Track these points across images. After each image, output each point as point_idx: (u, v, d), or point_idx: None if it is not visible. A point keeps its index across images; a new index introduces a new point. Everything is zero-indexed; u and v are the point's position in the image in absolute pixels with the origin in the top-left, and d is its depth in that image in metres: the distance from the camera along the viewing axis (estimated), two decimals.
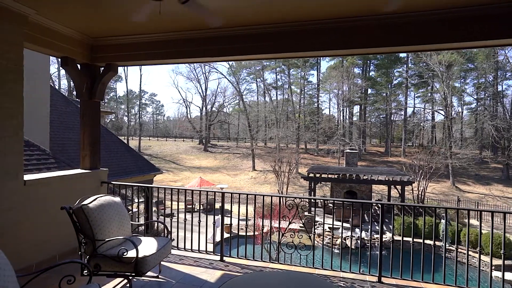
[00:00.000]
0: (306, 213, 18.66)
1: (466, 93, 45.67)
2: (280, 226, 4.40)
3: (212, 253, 4.21)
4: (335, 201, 4.05)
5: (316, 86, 54.25)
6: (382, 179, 20.08)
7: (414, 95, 52.46)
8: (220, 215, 4.32)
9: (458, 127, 45.71)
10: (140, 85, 58.83)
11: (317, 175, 21.22)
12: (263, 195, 4.08)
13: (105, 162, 13.49)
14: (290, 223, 3.92)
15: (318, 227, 18.09)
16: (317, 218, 18.61)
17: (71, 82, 47.14)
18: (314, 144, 49.90)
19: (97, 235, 2.98)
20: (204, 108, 56.78)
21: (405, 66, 48.72)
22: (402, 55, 49.63)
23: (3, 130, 3.23)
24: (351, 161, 23.22)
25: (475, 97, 44.61)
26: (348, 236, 15.93)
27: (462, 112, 48.81)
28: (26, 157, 6.56)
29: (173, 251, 4.30)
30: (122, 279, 3.00)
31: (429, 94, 47.75)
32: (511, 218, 18.55)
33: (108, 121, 69.78)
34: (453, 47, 3.69)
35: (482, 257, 13.57)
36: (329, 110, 60.07)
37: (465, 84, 46.56)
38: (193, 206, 20.91)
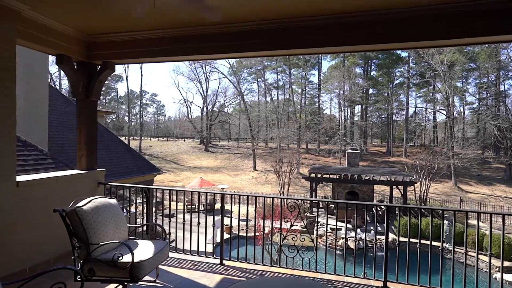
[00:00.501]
0: (307, 214, 18.52)
1: (468, 93, 45.48)
2: (282, 227, 4.28)
3: (211, 256, 4.09)
4: (338, 203, 3.92)
5: (317, 86, 54.13)
6: (384, 179, 19.95)
7: (416, 95, 52.33)
8: (220, 216, 4.20)
9: (460, 127, 45.51)
10: (141, 85, 58.80)
11: (319, 175, 21.11)
12: (264, 197, 3.96)
13: (105, 162, 13.39)
14: (292, 225, 3.80)
15: (320, 227, 17.96)
16: (318, 219, 18.48)
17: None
18: (315, 144, 49.77)
19: (91, 239, 2.86)
20: (205, 108, 56.71)
21: (406, 65, 48.54)
22: (403, 54, 49.50)
23: None
24: (353, 161, 23.08)
25: (477, 96, 44.38)
26: (350, 237, 15.81)
27: (464, 112, 48.64)
28: (23, 158, 6.46)
29: (172, 254, 4.19)
30: (117, 284, 2.88)
31: (431, 94, 47.57)
32: None
33: (109, 121, 69.84)
34: (454, 44, 3.55)
35: (482, 257, 13.41)
36: (330, 110, 59.95)
37: (467, 84, 46.40)
38: (192, 206, 20.82)
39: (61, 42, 3.93)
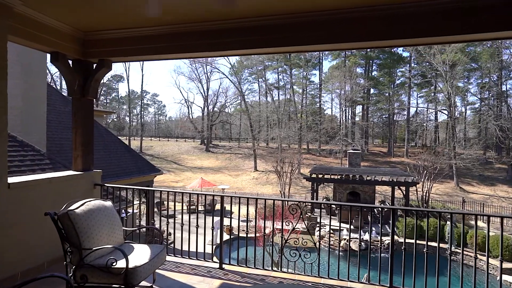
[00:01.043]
0: (308, 214, 18.38)
1: (470, 93, 45.28)
2: (283, 230, 4.15)
3: (210, 260, 3.97)
4: (337, 202, 3.80)
5: (318, 86, 53.97)
6: (386, 179, 19.80)
7: (417, 95, 52.15)
8: (218, 219, 4.08)
9: (462, 127, 45.31)
10: (142, 85, 58.80)
11: (320, 176, 20.96)
12: (265, 199, 3.83)
13: (105, 162, 13.28)
14: (293, 228, 3.67)
15: (322, 227, 17.79)
16: (319, 219, 18.32)
17: None
18: (316, 145, 49.63)
19: (84, 244, 2.73)
20: (205, 108, 56.62)
21: (408, 65, 48.35)
22: (405, 54, 49.32)
23: None
24: (354, 161, 22.93)
25: (479, 96, 44.17)
26: (352, 238, 15.65)
27: (466, 112, 48.43)
28: (20, 158, 6.35)
29: (170, 258, 4.07)
30: None
31: (433, 94, 47.35)
32: None
33: (110, 121, 69.84)
34: (457, 40, 3.42)
35: (493, 261, 13.27)
36: (331, 110, 59.82)
37: (469, 84, 46.19)
38: (192, 206, 20.73)
39: (55, 39, 3.80)
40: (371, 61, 52.13)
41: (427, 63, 41.14)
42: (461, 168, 33.89)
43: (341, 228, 16.94)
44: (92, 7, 3.39)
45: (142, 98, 66.38)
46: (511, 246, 13.57)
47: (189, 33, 3.75)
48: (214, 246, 4.26)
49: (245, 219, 4.05)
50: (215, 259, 4.10)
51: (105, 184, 4.45)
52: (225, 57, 49.94)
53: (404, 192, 19.23)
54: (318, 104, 53.88)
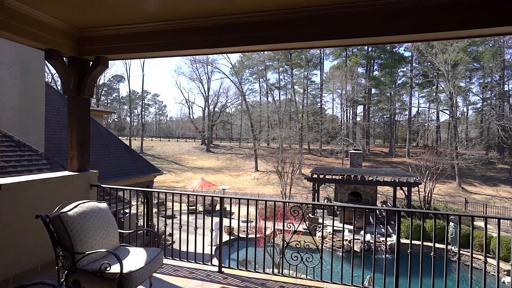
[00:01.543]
0: (309, 215, 18.25)
1: (472, 93, 45.05)
2: (284, 232, 4.02)
3: (209, 264, 3.85)
4: (340, 204, 3.68)
5: (319, 86, 53.82)
6: (387, 180, 19.66)
7: (419, 95, 51.93)
8: (220, 219, 3.96)
9: (464, 127, 45.11)
10: (143, 85, 58.58)
11: (321, 176, 20.83)
12: (265, 200, 3.71)
13: (104, 162, 13.19)
14: (295, 231, 3.55)
15: (322, 228, 17.67)
16: (321, 220, 18.21)
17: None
18: (317, 145, 49.48)
19: (77, 247, 2.62)
20: (206, 109, 56.55)
21: (409, 65, 48.16)
22: (406, 54, 49.16)
23: None
24: (356, 161, 22.79)
25: (481, 96, 43.94)
26: (352, 239, 15.52)
27: (468, 112, 48.22)
28: (17, 158, 6.25)
29: (168, 261, 3.95)
30: None
31: (434, 94, 47.16)
32: None
33: (110, 121, 69.82)
34: (456, 36, 3.28)
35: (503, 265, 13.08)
36: (332, 110, 59.83)
37: (471, 83, 45.96)
38: (189, 207, 20.62)
39: (49, 36, 3.69)
40: (372, 61, 51.96)
41: (429, 63, 40.96)
42: (463, 168, 33.70)
43: (341, 228, 16.80)
44: (88, 2, 3.28)
45: (143, 98, 66.31)
46: None
47: (187, 29, 3.64)
48: (214, 247, 4.13)
49: (246, 219, 3.92)
50: (214, 261, 3.97)
51: (102, 185, 4.33)
52: (225, 55, 49.85)
53: (406, 193, 19.07)
54: (319, 104, 53.74)
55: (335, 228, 16.52)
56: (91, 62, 4.23)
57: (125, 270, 2.54)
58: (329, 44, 3.74)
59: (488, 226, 17.13)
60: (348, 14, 3.06)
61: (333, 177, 20.71)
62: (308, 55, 50.29)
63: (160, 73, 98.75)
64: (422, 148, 44.67)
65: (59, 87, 44.91)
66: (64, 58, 4.09)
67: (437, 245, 3.36)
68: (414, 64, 47.65)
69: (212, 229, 3.92)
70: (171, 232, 11.51)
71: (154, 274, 3.50)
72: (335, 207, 20.95)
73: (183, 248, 3.96)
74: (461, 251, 13.99)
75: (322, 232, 3.64)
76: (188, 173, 40.44)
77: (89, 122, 4.37)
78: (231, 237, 14.39)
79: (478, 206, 23.35)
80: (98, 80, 58.51)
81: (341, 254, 15.38)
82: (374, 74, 51.79)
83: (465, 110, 47.66)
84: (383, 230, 17.03)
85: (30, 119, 8.54)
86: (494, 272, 12.80)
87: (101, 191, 4.99)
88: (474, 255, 13.66)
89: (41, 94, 8.88)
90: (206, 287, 3.32)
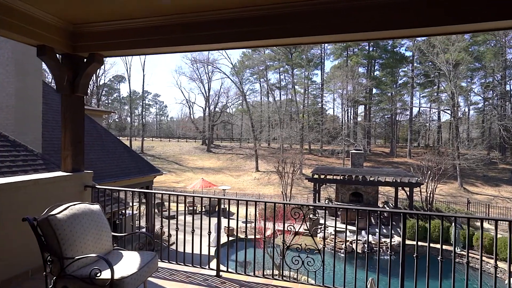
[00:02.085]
0: (310, 216, 18.09)
1: (473, 92, 44.82)
2: (285, 233, 3.88)
3: (207, 268, 3.71)
4: (342, 205, 3.55)
5: (320, 86, 53.66)
6: (389, 180, 19.50)
7: (420, 94, 51.75)
8: (218, 221, 3.82)
9: (465, 127, 44.91)
10: (143, 85, 58.44)
11: (322, 177, 20.68)
12: (265, 202, 3.58)
13: (103, 163, 13.07)
14: (296, 234, 3.41)
15: (324, 229, 17.53)
16: (322, 221, 18.07)
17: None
18: (318, 145, 49.32)
19: (66, 252, 2.49)
20: (207, 109, 56.45)
21: (410, 65, 47.99)
22: (407, 54, 48.99)
23: None
24: (357, 161, 22.63)
25: (483, 96, 43.74)
26: (355, 240, 15.37)
27: (469, 112, 48.01)
28: (12, 158, 6.13)
29: (164, 264, 3.82)
30: None
31: (435, 94, 46.98)
32: None
33: (111, 121, 69.76)
34: (445, 32, 3.15)
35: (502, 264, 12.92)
36: (333, 110, 59.64)
37: (472, 83, 45.77)
38: (186, 208, 20.40)
39: (41, 32, 3.56)
40: (373, 61, 51.79)
41: (430, 63, 40.78)
42: (464, 168, 33.51)
43: (344, 229, 16.66)
44: None
45: (143, 99, 66.25)
46: None
47: (185, 24, 3.50)
48: (213, 248, 3.98)
49: (245, 221, 3.79)
50: (212, 265, 3.84)
51: (97, 186, 4.20)
52: (225, 55, 49.73)
53: (408, 193, 18.91)
54: (320, 104, 53.57)
55: (336, 228, 16.38)
56: (85, 59, 4.10)
57: (116, 276, 2.41)
58: (329, 40, 3.60)
59: (491, 227, 16.94)
60: (346, 8, 2.94)
61: (334, 177, 20.56)
62: (309, 55, 50.16)
63: (160, 73, 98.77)
64: (423, 148, 44.50)
65: None
66: (58, 55, 3.98)
67: (440, 246, 3.22)
68: (415, 64, 47.47)
69: (210, 232, 3.78)
70: (171, 232, 11.39)
71: (150, 279, 3.37)
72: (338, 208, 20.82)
73: (182, 249, 3.84)
74: (475, 255, 13.81)
75: (324, 234, 3.50)
76: (189, 173, 40.33)
77: (83, 121, 4.25)
78: (231, 238, 14.27)
79: (480, 206, 23.16)
80: (98, 81, 58.47)
81: (342, 255, 15.23)
82: (375, 74, 51.62)
83: (466, 110, 47.49)
84: (384, 231, 16.87)
85: (27, 118, 8.43)
86: (498, 274, 12.64)
87: (99, 192, 4.86)
88: (477, 257, 13.43)
89: (38, 93, 8.76)
90: None
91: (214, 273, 3.63)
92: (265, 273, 3.80)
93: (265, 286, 3.36)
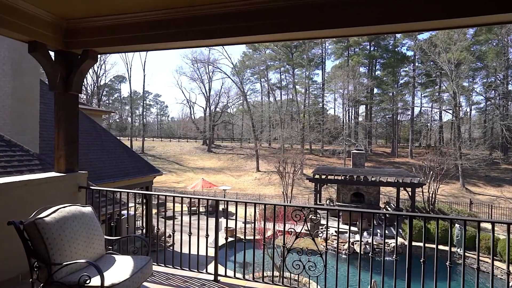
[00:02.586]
0: (311, 216, 17.94)
1: (475, 92, 44.60)
2: (285, 234, 3.74)
3: (204, 272, 3.58)
4: (343, 206, 3.41)
5: (321, 85, 53.50)
6: (391, 180, 19.34)
7: (421, 94, 51.54)
8: (220, 220, 3.69)
9: (467, 127, 44.68)
10: (144, 85, 58.32)
11: (323, 177, 20.53)
12: (264, 204, 3.44)
13: (102, 163, 12.95)
14: (297, 237, 3.28)
15: (325, 230, 17.38)
16: (323, 221, 17.91)
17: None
18: (319, 145, 49.15)
19: (54, 257, 2.36)
20: (208, 109, 56.33)
21: (412, 65, 47.79)
22: (409, 53, 48.79)
23: None
24: (358, 162, 22.47)
25: (485, 96, 43.50)
26: (357, 241, 15.20)
27: (471, 112, 47.78)
28: (7, 159, 6.00)
29: (160, 268, 3.69)
30: None
31: (437, 94, 46.77)
32: None
33: (112, 121, 69.73)
34: (441, 26, 3.02)
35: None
36: (334, 110, 59.37)
37: (474, 83, 45.52)
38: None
39: (33, 27, 3.44)
40: (374, 61, 51.62)
41: (432, 62, 40.58)
42: (467, 168, 33.31)
43: (346, 230, 16.50)
44: None
45: (144, 99, 66.21)
46: None
47: (183, 19, 3.37)
48: (212, 249, 3.83)
49: (244, 223, 3.65)
50: (210, 269, 3.69)
51: (91, 187, 4.07)
52: (226, 55, 49.49)
53: (410, 194, 18.75)
54: (321, 104, 53.39)
55: (337, 229, 16.22)
56: (79, 56, 3.97)
57: (106, 283, 2.28)
58: (328, 35, 3.45)
59: (495, 228, 16.78)
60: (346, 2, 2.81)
61: (335, 177, 20.41)
62: (310, 55, 50.01)
63: (161, 73, 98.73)
64: (425, 149, 44.29)
65: None
66: (51, 52, 3.85)
67: (444, 247, 3.08)
68: (416, 64, 47.27)
69: (207, 235, 3.64)
70: (170, 233, 11.23)
71: (145, 283, 3.25)
72: (337, 207, 20.66)
73: (181, 252, 3.70)
74: (468, 255, 13.63)
75: (326, 236, 3.36)
76: (189, 174, 40.22)
77: (77, 120, 4.12)
78: (231, 239, 14.12)
79: (483, 207, 22.98)
80: (99, 81, 58.42)
81: (344, 256, 15.07)
82: (376, 73, 51.44)
83: (468, 110, 47.25)
84: (386, 232, 16.73)
85: (24, 118, 8.30)
86: (502, 276, 12.46)
87: (96, 193, 4.73)
88: (482, 259, 13.19)
89: (35, 92, 8.63)
90: None
91: (211, 277, 3.49)
92: (265, 275, 3.66)
93: None
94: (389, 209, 20.51)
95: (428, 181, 21.15)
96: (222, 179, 36.71)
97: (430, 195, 20.68)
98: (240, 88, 51.78)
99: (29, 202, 3.40)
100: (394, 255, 3.05)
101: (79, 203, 3.97)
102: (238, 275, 3.58)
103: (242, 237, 3.74)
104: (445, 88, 42.52)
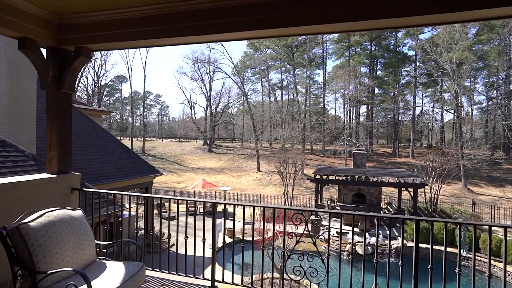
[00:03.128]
0: (312, 217, 17.79)
1: (477, 92, 44.36)
2: (285, 236, 3.60)
3: (201, 277, 3.43)
4: (345, 206, 3.26)
5: (322, 85, 53.33)
6: (393, 181, 19.18)
7: (423, 94, 51.32)
8: (220, 222, 3.55)
9: (468, 127, 44.44)
10: (144, 85, 58.17)
11: (324, 177, 20.37)
12: (264, 207, 3.30)
13: (101, 163, 12.83)
14: (297, 242, 3.13)
15: (326, 231, 17.22)
16: (324, 222, 17.75)
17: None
18: (320, 145, 48.97)
19: (39, 265, 2.22)
20: (208, 109, 56.20)
21: (413, 65, 47.57)
22: (410, 53, 48.58)
23: None
24: (360, 162, 22.30)
25: (487, 95, 43.26)
26: (358, 242, 15.06)
27: (472, 112, 47.55)
28: (1, 159, 5.87)
29: (155, 274, 3.55)
30: None
31: (439, 94, 46.53)
32: None
33: (112, 121, 69.70)
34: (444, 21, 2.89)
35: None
36: (335, 110, 59.15)
37: (475, 83, 45.30)
38: (190, 208, 20.11)
39: (23, 23, 3.30)
40: (375, 60, 51.42)
41: (433, 62, 40.38)
42: (469, 169, 33.09)
43: (347, 231, 16.35)
44: None
45: (144, 99, 66.13)
46: None
47: (178, 14, 3.23)
48: (209, 249, 3.68)
49: (243, 225, 3.51)
50: (207, 273, 3.55)
51: (84, 189, 3.93)
52: (226, 55, 49.33)
53: (412, 194, 18.57)
54: (322, 104, 53.22)
55: (338, 230, 16.07)
56: (71, 53, 3.83)
57: None
58: (330, 30, 3.31)
59: (496, 229, 16.56)
60: None
61: (337, 178, 20.24)
62: (311, 55, 49.84)
63: (162, 73, 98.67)
64: (426, 149, 44.09)
65: None
66: (42, 48, 3.72)
67: (458, 257, 2.93)
68: (418, 63, 47.05)
69: (204, 239, 3.50)
70: (170, 234, 11.10)
71: None
72: (338, 208, 20.49)
73: (178, 255, 3.56)
74: (471, 258, 13.44)
75: (328, 242, 3.21)
76: (190, 174, 40.10)
77: (70, 119, 3.98)
78: (229, 241, 13.92)
79: (485, 207, 22.79)
80: (100, 81, 58.34)
81: (345, 257, 14.92)
82: (378, 73, 51.23)
83: (469, 110, 47.03)
84: (388, 232, 16.57)
85: (21, 118, 8.18)
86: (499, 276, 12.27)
87: (95, 194, 4.60)
88: (493, 263, 13.03)
89: (32, 92, 8.51)
90: None
91: (208, 283, 3.35)
92: (265, 277, 3.52)
93: None
94: (391, 209, 20.33)
95: (430, 181, 20.97)
96: (223, 179, 36.58)
97: (432, 195, 20.49)
98: (241, 88, 51.67)
99: (17, 205, 3.25)
100: (400, 261, 2.89)
101: (72, 205, 3.84)
102: (237, 279, 3.44)
103: (243, 237, 3.62)
104: (447, 88, 42.31)
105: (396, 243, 15.41)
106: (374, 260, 2.90)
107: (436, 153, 26.20)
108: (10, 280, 3.16)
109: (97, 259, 2.80)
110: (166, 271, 3.57)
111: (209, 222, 3.60)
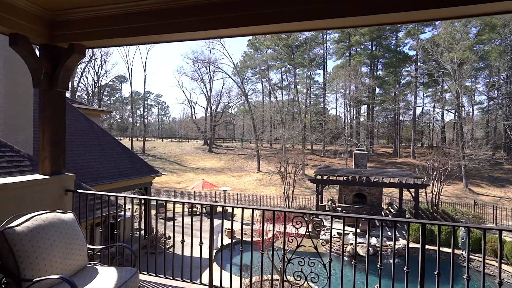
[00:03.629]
0: (313, 218, 17.67)
1: (478, 92, 44.19)
2: (286, 237, 3.48)
3: (198, 283, 3.31)
4: (345, 207, 3.14)
5: (323, 85, 53.21)
6: (394, 181, 19.05)
7: (423, 94, 51.15)
8: (219, 222, 3.43)
9: (469, 127, 44.29)
10: (144, 85, 58.05)
11: (325, 177, 20.25)
12: (263, 209, 3.18)
13: (100, 164, 12.71)
14: (298, 246, 3.01)
15: (327, 232, 17.10)
16: (325, 222, 17.63)
17: (74, 78, 46.77)
18: (321, 145, 48.85)
19: (25, 272, 2.10)
20: (209, 109, 56.09)
21: (414, 64, 47.42)
22: (411, 53, 48.43)
23: None
24: (360, 162, 22.18)
25: (488, 95, 43.10)
26: (359, 243, 14.93)
27: (473, 112, 47.39)
28: None
29: (150, 278, 3.43)
30: None
31: (439, 93, 46.37)
32: None
33: (113, 122, 69.65)
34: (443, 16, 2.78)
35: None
36: (336, 110, 59.11)
37: (476, 83, 45.15)
38: (190, 208, 20.07)
39: (13, 18, 3.18)
40: (376, 60, 51.28)
41: (434, 62, 40.24)
42: (470, 169, 32.94)
43: (348, 232, 16.22)
44: None
45: (145, 99, 66.03)
46: None
47: (179, 9, 3.11)
48: (209, 258, 3.56)
49: (241, 227, 3.39)
50: (204, 277, 3.43)
51: (78, 190, 3.81)
52: (226, 55, 49.20)
53: (413, 195, 18.44)
54: (322, 104, 53.10)
55: (339, 230, 15.94)
56: (65, 50, 3.71)
57: None
58: (329, 25, 3.19)
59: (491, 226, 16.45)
60: None
61: (337, 178, 20.12)
62: (311, 54, 49.72)
63: (162, 73, 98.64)
64: (427, 149, 43.94)
65: None
66: (35, 45, 3.60)
67: (447, 250, 2.82)
68: (419, 63, 46.90)
69: (201, 243, 3.38)
70: (170, 235, 10.97)
71: None
72: (339, 209, 20.36)
73: (176, 256, 3.43)
74: (471, 258, 13.27)
75: (330, 245, 3.09)
76: (190, 174, 39.99)
77: (64, 119, 3.86)
78: (228, 242, 13.78)
79: (487, 208, 22.64)
80: (100, 81, 58.26)
81: (346, 258, 14.79)
82: (378, 73, 51.09)
83: (470, 110, 46.89)
84: (389, 233, 16.43)
85: (17, 118, 8.07)
86: (502, 277, 12.15)
87: (91, 196, 4.48)
88: (488, 263, 12.80)
89: (29, 92, 8.40)
90: None
91: None
92: (264, 279, 3.39)
93: None
94: (392, 210, 20.19)
95: (432, 181, 20.83)
96: (223, 180, 36.46)
97: (434, 196, 20.36)
98: (241, 88, 51.56)
99: (7, 208, 3.13)
100: (405, 269, 2.77)
101: (65, 207, 3.72)
102: (235, 282, 3.32)
103: (242, 239, 3.51)
104: (448, 88, 42.17)
105: (397, 244, 15.27)
106: (378, 266, 2.78)
107: (437, 153, 26.06)
108: None
109: (89, 264, 2.68)
110: (162, 275, 3.45)
111: (206, 224, 3.48)
